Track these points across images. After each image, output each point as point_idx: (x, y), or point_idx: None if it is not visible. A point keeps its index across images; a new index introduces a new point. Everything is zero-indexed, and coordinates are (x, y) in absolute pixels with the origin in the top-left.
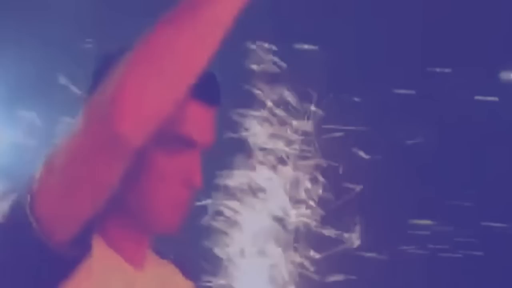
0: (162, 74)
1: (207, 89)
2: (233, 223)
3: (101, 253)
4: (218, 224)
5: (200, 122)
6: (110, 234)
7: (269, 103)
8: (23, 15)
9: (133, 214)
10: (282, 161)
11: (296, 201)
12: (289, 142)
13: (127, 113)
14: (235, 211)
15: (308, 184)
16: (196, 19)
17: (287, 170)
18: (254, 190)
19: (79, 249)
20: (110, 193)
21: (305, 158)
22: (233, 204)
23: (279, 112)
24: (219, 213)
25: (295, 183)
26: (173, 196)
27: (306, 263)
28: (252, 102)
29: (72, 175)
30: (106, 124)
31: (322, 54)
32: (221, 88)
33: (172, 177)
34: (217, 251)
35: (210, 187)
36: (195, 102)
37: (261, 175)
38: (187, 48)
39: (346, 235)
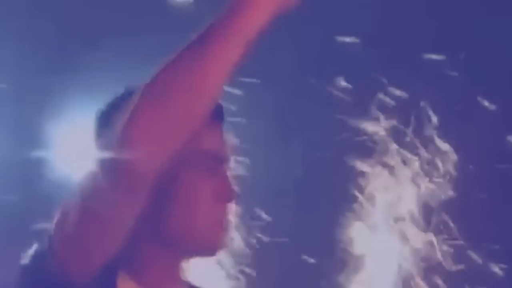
0: (173, 109)
1: (216, 107)
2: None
3: None
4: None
5: (218, 138)
6: (139, 270)
7: None
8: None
9: (173, 242)
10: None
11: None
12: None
13: (138, 149)
14: None
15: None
16: (211, 49)
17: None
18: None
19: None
20: (127, 230)
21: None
22: None
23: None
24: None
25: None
26: (212, 215)
27: (436, 277)
28: None
29: (86, 214)
30: (117, 162)
31: (449, 63)
32: None
33: (207, 196)
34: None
35: None
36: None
37: None
38: (201, 79)
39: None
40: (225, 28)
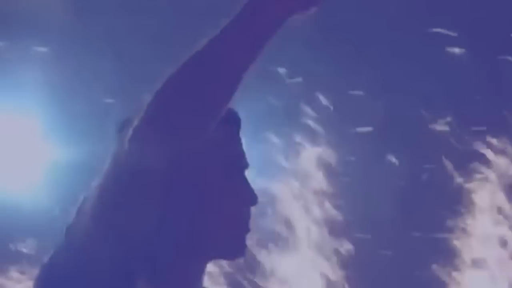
0: (182, 112)
1: (232, 114)
2: None
3: None
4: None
5: (237, 144)
6: (161, 277)
7: None
8: None
9: (198, 247)
10: None
11: None
12: None
13: (149, 151)
14: None
15: None
16: (220, 55)
17: None
18: None
19: None
20: (139, 230)
21: None
22: None
23: None
24: None
25: None
26: (237, 218)
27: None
28: None
29: (98, 210)
30: (128, 163)
31: None
32: None
33: (231, 200)
34: None
35: None
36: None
37: None
38: (209, 86)
39: None
40: (236, 32)
